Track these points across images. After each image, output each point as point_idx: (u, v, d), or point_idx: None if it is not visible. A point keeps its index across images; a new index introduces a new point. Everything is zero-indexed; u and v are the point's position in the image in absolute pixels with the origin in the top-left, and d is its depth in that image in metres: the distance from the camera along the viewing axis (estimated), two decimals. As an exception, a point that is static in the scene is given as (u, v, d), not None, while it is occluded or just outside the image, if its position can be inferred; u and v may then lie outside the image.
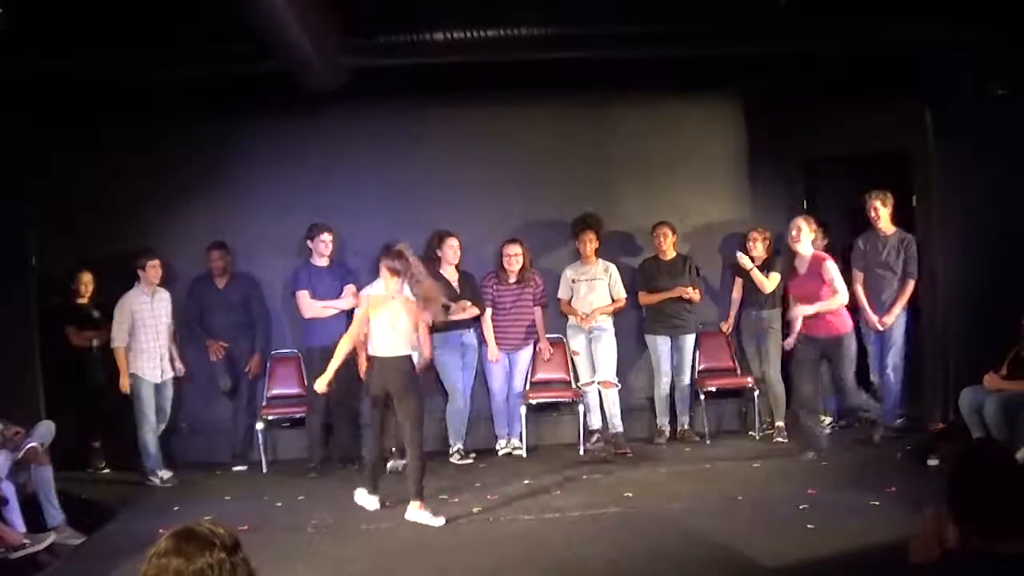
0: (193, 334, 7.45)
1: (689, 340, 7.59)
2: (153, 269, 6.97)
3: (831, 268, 6.53)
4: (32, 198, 7.03)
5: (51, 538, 5.09)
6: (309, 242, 7.24)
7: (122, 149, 7.44)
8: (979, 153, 6.74)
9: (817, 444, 6.69)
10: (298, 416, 7.30)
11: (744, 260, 7.23)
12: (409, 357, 5.75)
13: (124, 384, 6.84)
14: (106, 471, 7.12)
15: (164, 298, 7.14)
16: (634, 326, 7.76)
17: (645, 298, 7.59)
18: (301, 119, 7.53)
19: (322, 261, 7.25)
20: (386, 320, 5.68)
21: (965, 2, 6.03)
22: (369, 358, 5.89)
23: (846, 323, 6.57)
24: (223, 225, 7.50)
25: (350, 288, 7.23)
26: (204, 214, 7.54)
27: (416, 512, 5.52)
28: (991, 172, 6.67)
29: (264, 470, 7.10)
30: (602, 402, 7.44)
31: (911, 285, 7.06)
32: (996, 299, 6.42)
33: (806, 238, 6.63)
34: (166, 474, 6.85)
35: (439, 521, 5.45)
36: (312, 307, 7.14)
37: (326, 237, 7.18)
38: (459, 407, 7.32)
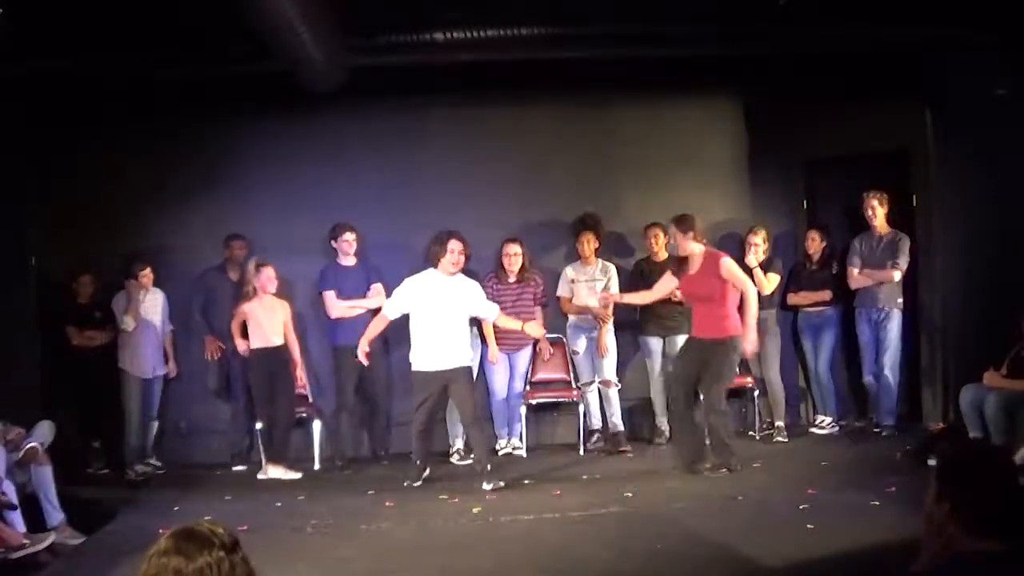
0: (194, 327, 7.45)
1: (681, 340, 7.55)
2: (145, 277, 7.19)
3: (728, 264, 6.19)
4: (32, 198, 7.04)
5: (51, 538, 5.08)
6: (333, 242, 7.26)
7: (122, 149, 7.44)
8: (979, 153, 6.75)
9: (727, 458, 6.25)
10: (299, 416, 7.28)
11: (750, 259, 7.26)
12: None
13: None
14: (106, 471, 7.13)
15: (158, 298, 7.30)
16: (633, 326, 7.74)
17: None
18: (301, 119, 7.53)
19: (348, 260, 7.26)
20: (262, 316, 6.88)
21: (965, 2, 6.03)
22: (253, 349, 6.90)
23: (733, 327, 6.14)
24: (223, 225, 7.49)
25: (377, 287, 7.25)
26: (204, 214, 7.53)
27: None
28: (991, 172, 6.68)
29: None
30: (602, 402, 7.44)
31: (893, 274, 7.03)
32: (996, 299, 6.42)
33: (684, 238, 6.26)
34: (141, 468, 7.04)
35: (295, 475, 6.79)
36: (338, 307, 7.16)
37: (349, 236, 7.19)
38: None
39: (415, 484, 6.30)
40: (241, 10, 5.22)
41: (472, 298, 6.43)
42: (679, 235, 6.26)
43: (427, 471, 6.43)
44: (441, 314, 6.23)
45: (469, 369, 6.41)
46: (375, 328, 6.46)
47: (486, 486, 6.09)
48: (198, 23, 5.83)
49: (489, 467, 6.24)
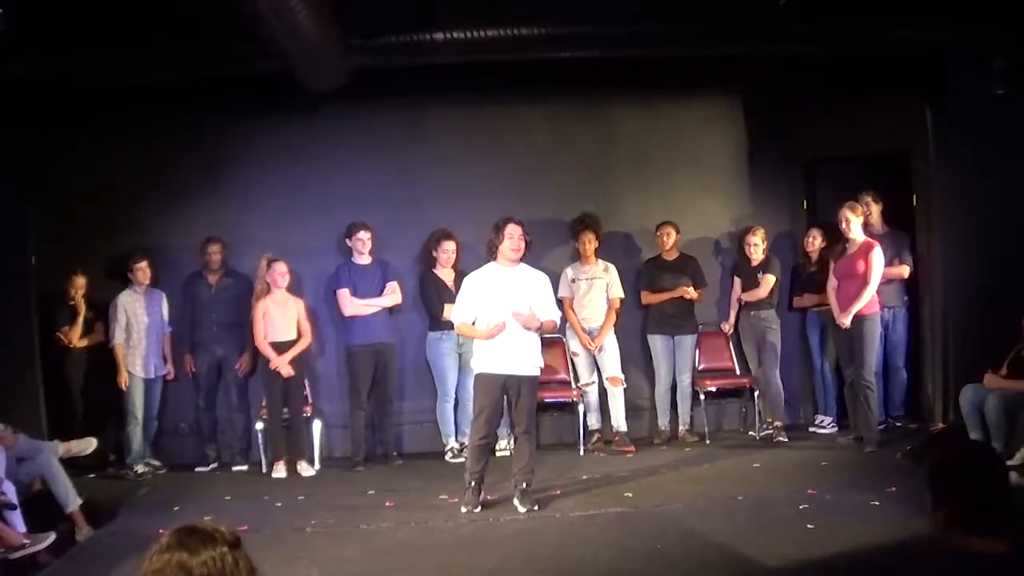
0: (183, 336, 7.44)
1: (688, 340, 7.58)
2: (141, 271, 7.18)
3: (877, 253, 6.64)
4: (32, 198, 7.03)
5: (51, 538, 5.07)
6: (348, 240, 7.29)
7: (121, 148, 7.44)
8: (979, 153, 6.75)
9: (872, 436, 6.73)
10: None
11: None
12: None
13: (123, 380, 7.09)
14: (106, 471, 7.12)
15: (158, 298, 7.32)
16: (635, 326, 7.75)
17: (647, 298, 7.59)
18: (301, 119, 7.53)
19: (363, 259, 7.28)
20: (274, 311, 6.97)
21: (965, 2, 6.03)
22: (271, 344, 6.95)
23: (872, 305, 6.68)
24: (222, 225, 7.48)
25: (392, 285, 7.28)
26: (203, 214, 7.52)
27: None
28: (991, 172, 6.68)
29: (264, 470, 7.09)
30: (607, 401, 7.44)
31: (902, 270, 7.19)
32: (996, 299, 6.42)
33: (855, 225, 6.72)
34: (141, 468, 7.04)
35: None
36: (353, 305, 7.17)
37: (363, 235, 7.21)
38: (448, 406, 7.35)
39: (475, 510, 5.62)
40: (241, 9, 5.22)
41: (540, 292, 5.76)
42: (854, 220, 6.67)
43: (483, 495, 5.72)
44: (506, 311, 5.58)
45: (536, 379, 5.83)
46: (473, 336, 5.78)
47: (521, 508, 5.59)
48: (198, 23, 5.82)
49: (526, 485, 5.69)
